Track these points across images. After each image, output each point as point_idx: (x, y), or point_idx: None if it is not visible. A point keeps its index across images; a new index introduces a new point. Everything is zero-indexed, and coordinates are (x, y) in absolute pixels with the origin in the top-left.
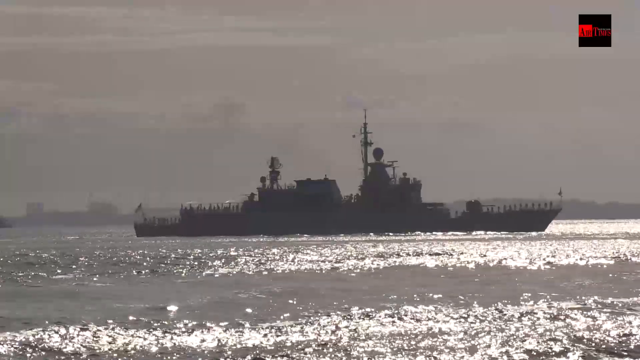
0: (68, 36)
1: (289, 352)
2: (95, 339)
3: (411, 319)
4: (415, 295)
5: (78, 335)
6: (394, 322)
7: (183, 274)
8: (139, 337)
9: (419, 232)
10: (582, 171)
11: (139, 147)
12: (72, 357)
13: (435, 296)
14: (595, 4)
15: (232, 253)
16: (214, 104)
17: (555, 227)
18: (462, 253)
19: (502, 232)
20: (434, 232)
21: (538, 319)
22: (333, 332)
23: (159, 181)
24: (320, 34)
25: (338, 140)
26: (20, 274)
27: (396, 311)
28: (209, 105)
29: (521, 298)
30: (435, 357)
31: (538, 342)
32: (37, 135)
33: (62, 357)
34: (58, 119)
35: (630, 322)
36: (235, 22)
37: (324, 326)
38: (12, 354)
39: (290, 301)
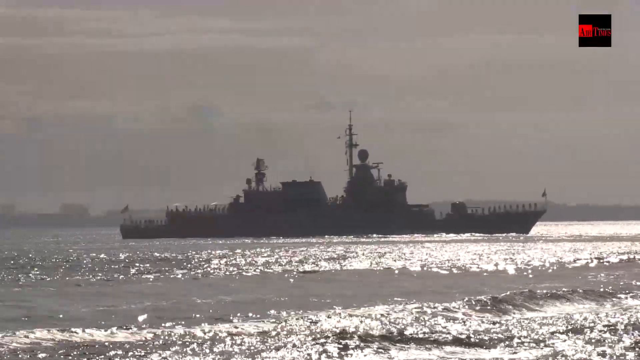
0: (42, 38)
1: None
2: None
3: None
4: None
5: None
6: None
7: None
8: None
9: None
10: (556, 173)
11: (112, 148)
12: None
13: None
14: (595, 4)
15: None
16: (189, 106)
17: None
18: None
19: (488, 234)
20: (422, 234)
21: None
22: None
23: (133, 183)
24: (295, 36)
25: (316, 142)
26: None
27: None
28: (184, 107)
29: None
30: None
31: None
32: (9, 136)
33: None
34: (31, 120)
35: None
36: (210, 24)
37: None
38: None
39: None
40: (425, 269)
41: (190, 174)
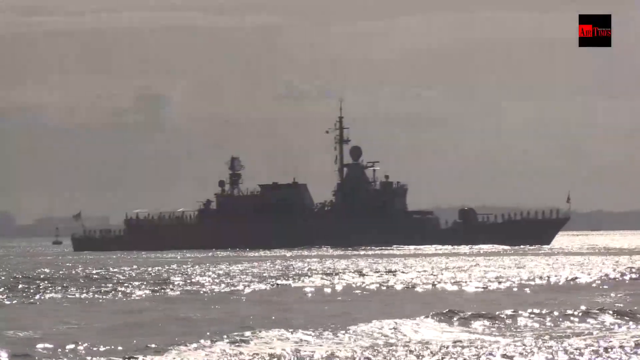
0: None
1: None
2: None
3: None
4: None
5: None
6: None
7: None
8: None
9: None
10: (558, 176)
11: (41, 146)
12: None
13: None
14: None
15: None
16: (135, 95)
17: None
18: None
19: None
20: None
21: None
22: None
23: (66, 186)
24: (258, 13)
25: (299, 137)
26: None
27: None
28: (132, 97)
29: None
30: None
31: None
32: None
33: None
34: None
35: None
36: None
37: None
38: None
39: None
40: None
41: (148, 176)
